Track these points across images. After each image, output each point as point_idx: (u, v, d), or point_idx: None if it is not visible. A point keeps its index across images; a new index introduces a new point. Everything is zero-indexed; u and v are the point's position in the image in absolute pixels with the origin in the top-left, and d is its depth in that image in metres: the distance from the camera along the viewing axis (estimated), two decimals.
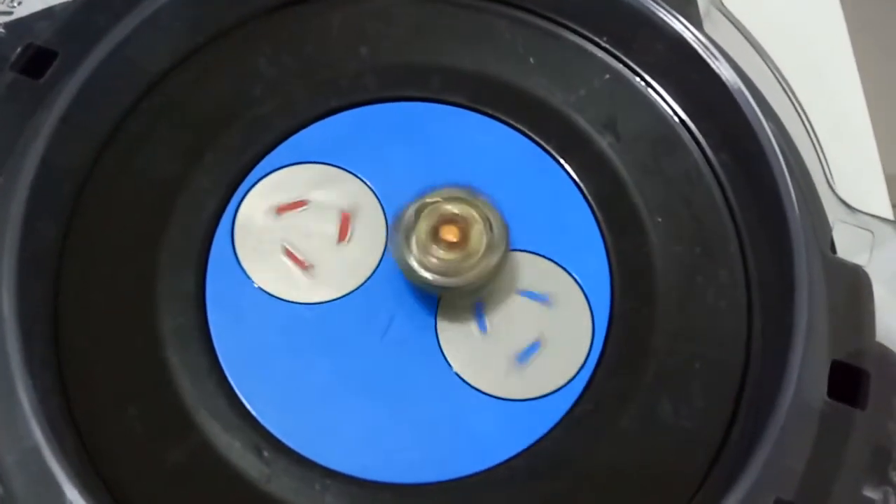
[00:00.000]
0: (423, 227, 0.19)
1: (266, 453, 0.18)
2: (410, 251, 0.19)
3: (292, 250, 0.21)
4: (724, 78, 0.21)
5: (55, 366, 0.18)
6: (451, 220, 0.19)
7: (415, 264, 0.19)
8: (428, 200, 0.20)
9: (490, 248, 0.19)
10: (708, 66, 0.21)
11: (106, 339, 0.19)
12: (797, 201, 0.18)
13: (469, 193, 0.20)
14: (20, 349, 0.16)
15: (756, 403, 0.18)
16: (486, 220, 0.19)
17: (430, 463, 0.19)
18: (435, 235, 0.19)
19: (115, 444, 0.18)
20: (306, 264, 0.21)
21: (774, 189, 0.19)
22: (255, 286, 0.20)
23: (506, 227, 0.19)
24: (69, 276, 0.19)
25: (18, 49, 0.19)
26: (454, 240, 0.19)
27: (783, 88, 0.20)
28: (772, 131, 0.19)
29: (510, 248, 0.20)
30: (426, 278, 0.19)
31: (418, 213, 0.19)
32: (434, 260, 0.19)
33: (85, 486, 0.15)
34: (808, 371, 0.17)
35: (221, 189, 0.21)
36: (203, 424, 0.18)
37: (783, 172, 0.18)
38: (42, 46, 0.19)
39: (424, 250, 0.19)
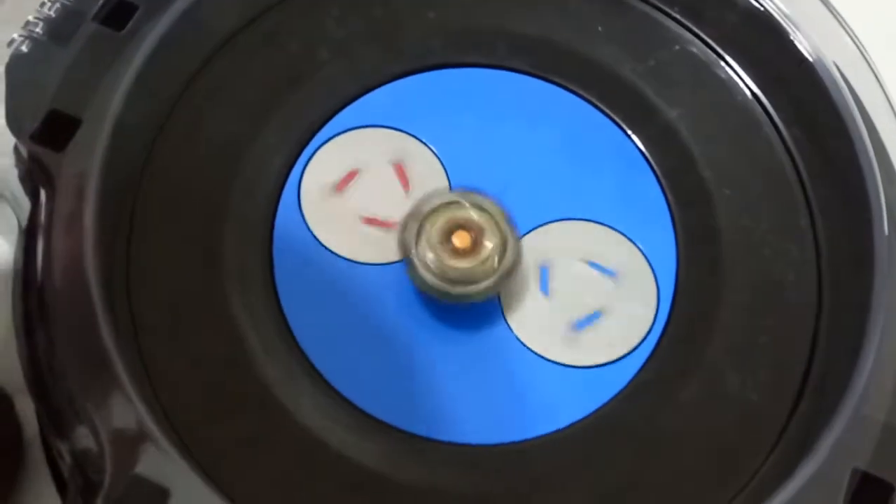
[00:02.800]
0: (439, 221, 0.19)
1: (332, 412, 0.19)
2: (415, 239, 0.19)
3: (359, 211, 0.21)
4: (801, 50, 0.20)
5: (129, 317, 0.18)
6: (464, 225, 0.19)
7: (417, 263, 0.19)
8: (456, 199, 0.19)
9: (496, 268, 0.19)
10: (783, 37, 0.21)
11: (175, 294, 0.19)
12: (879, 178, 0.18)
13: (498, 209, 0.19)
14: (101, 297, 0.16)
15: (826, 378, 0.18)
16: (502, 238, 0.19)
17: (492, 425, 0.19)
18: (446, 235, 0.19)
19: (187, 407, 0.18)
20: (373, 223, 0.21)
21: (854, 165, 0.18)
22: (321, 244, 0.20)
23: (518, 252, 0.19)
24: (140, 230, 0.20)
25: (100, 1, 0.19)
26: (463, 247, 0.19)
27: (864, 59, 0.20)
28: (852, 106, 0.19)
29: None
30: (425, 278, 0.18)
31: (432, 211, 0.19)
32: (435, 260, 0.19)
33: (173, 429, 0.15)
34: (885, 346, 0.17)
35: (288, 149, 0.21)
36: (274, 386, 0.19)
37: (865, 149, 0.18)
38: None
39: (428, 243, 0.19)
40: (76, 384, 0.16)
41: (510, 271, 0.19)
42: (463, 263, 0.19)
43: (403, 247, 0.19)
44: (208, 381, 0.18)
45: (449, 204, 0.19)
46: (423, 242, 0.19)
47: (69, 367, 0.16)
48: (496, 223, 0.19)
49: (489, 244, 0.19)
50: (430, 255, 0.19)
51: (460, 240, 0.19)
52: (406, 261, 0.19)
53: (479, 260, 0.19)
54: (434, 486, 0.18)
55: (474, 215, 0.19)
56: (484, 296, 0.19)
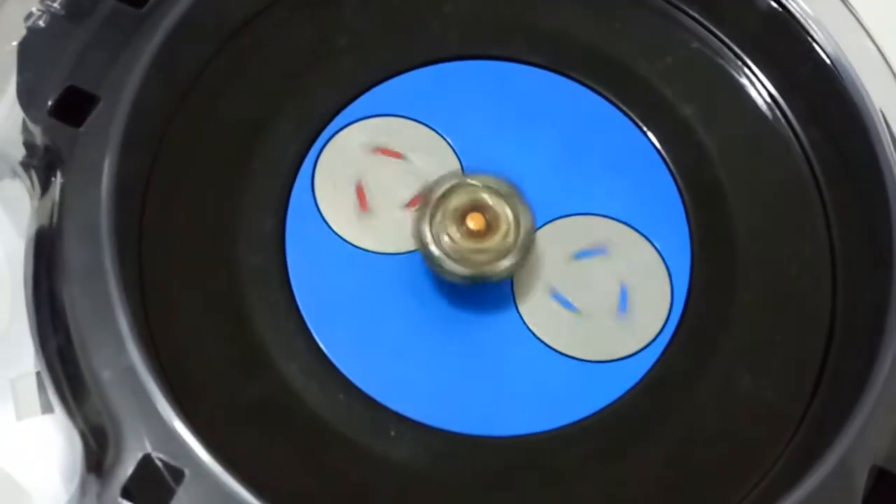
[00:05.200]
0: (451, 205, 0.19)
1: (341, 396, 0.18)
2: (428, 225, 0.18)
3: (369, 200, 0.21)
4: (820, 51, 0.20)
5: (139, 296, 0.18)
6: (480, 208, 0.19)
7: (428, 238, 0.18)
8: (466, 182, 0.19)
9: (509, 250, 0.18)
10: (802, 38, 0.21)
11: (186, 274, 0.19)
12: None
13: (508, 188, 0.19)
14: (117, 269, 0.16)
15: (840, 376, 0.18)
16: (515, 214, 0.19)
17: (504, 417, 0.19)
18: (460, 218, 0.19)
19: (194, 378, 0.18)
20: (377, 215, 0.20)
21: (874, 167, 0.18)
22: (334, 232, 0.20)
23: (533, 225, 0.19)
24: (152, 211, 0.19)
25: None
26: (479, 229, 0.18)
27: (884, 62, 0.20)
28: (872, 108, 0.19)
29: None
30: (434, 255, 0.18)
31: (451, 189, 0.19)
32: (448, 240, 0.18)
33: (181, 407, 0.15)
34: None
35: (302, 136, 0.21)
36: (280, 364, 0.18)
37: (885, 151, 0.18)
38: None
39: (443, 228, 0.18)
40: (92, 365, 0.15)
41: (528, 247, 0.19)
42: (481, 244, 0.18)
43: (419, 237, 0.19)
44: (224, 369, 0.18)
45: (457, 187, 0.19)
46: (437, 229, 0.18)
47: (86, 351, 0.16)
48: (507, 201, 0.19)
49: (504, 223, 0.18)
50: (446, 240, 0.18)
51: (475, 221, 0.18)
52: (423, 251, 0.19)
53: (495, 240, 0.18)
54: (446, 476, 0.18)
55: (485, 196, 0.19)
56: (506, 275, 0.19)
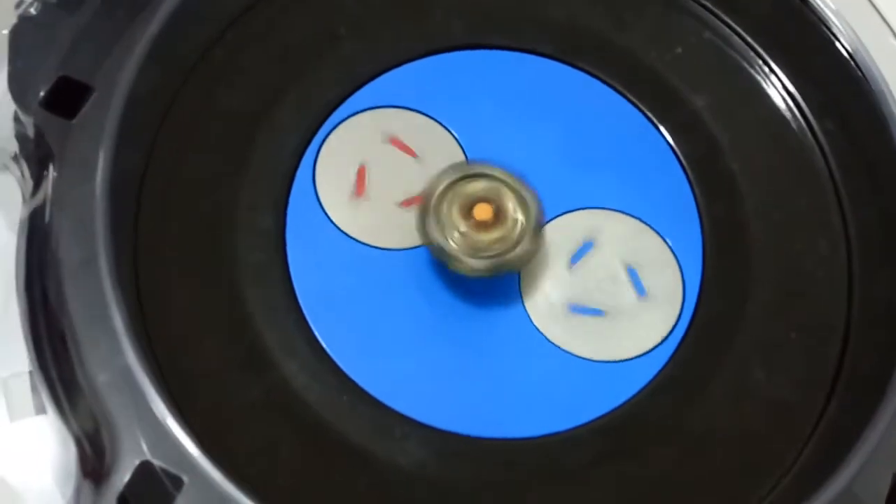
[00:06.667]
0: (455, 199, 0.18)
1: (345, 397, 0.18)
2: (440, 230, 0.18)
3: (375, 194, 0.20)
4: (836, 40, 0.20)
5: (135, 294, 0.17)
6: (482, 198, 0.18)
7: (443, 244, 0.18)
8: (464, 173, 0.18)
9: (526, 229, 0.18)
10: (818, 26, 0.20)
11: (183, 271, 0.18)
12: None
13: (504, 172, 0.19)
14: (112, 268, 0.15)
15: (858, 375, 0.18)
16: (521, 200, 0.18)
17: (513, 419, 0.18)
18: (466, 214, 0.18)
19: (192, 379, 0.17)
20: (372, 203, 0.20)
21: (891, 159, 0.18)
22: (336, 227, 0.20)
23: (541, 209, 0.18)
24: (148, 204, 0.19)
25: None
26: (487, 219, 0.18)
27: None
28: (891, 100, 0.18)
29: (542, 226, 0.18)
30: (448, 252, 0.18)
31: (446, 190, 0.18)
32: (461, 239, 0.18)
33: (178, 411, 0.14)
34: None
35: (303, 127, 0.20)
36: (281, 363, 0.18)
37: None
38: None
39: (451, 224, 0.18)
40: (87, 366, 0.15)
41: (541, 227, 0.18)
42: (492, 234, 0.18)
43: (427, 237, 0.18)
44: (223, 369, 0.18)
45: (457, 181, 0.18)
46: (445, 226, 0.18)
47: (80, 351, 0.15)
48: (509, 185, 0.18)
49: (510, 207, 0.18)
50: (456, 236, 0.18)
51: (481, 211, 0.18)
52: (435, 249, 0.18)
53: (507, 226, 0.18)
54: (457, 479, 0.17)
55: (487, 184, 0.18)
56: (526, 260, 0.18)
